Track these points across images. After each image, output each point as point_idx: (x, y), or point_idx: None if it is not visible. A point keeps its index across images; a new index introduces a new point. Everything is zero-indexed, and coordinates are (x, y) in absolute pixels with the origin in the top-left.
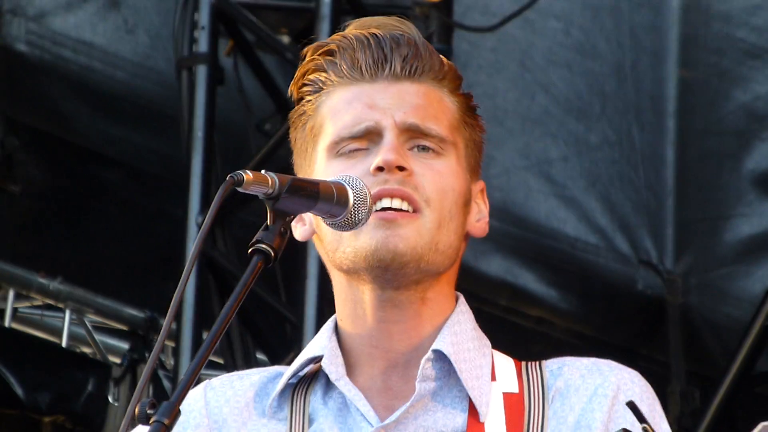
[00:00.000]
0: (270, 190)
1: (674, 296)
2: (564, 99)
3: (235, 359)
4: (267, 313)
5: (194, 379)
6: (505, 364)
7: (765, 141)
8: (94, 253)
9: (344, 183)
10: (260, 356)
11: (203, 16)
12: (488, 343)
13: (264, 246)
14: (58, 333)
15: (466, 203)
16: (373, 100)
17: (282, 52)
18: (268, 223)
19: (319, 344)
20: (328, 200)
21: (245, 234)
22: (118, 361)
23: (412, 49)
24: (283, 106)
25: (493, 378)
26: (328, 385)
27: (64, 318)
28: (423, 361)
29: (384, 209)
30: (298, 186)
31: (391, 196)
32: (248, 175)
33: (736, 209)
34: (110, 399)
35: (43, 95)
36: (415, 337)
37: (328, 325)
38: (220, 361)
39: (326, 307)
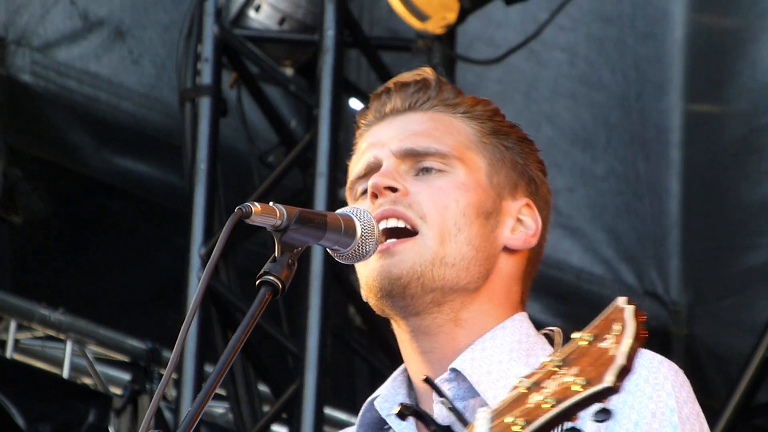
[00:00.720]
0: (278, 222)
1: (679, 327)
2: (569, 130)
3: (237, 390)
4: (269, 344)
5: (202, 411)
6: None
7: (767, 173)
8: (96, 284)
9: (352, 215)
10: (262, 388)
11: (207, 49)
12: (541, 353)
13: (272, 278)
14: (60, 364)
15: (486, 215)
16: (377, 137)
17: (285, 84)
18: (276, 255)
19: (383, 386)
20: (335, 231)
21: (248, 265)
22: (119, 392)
23: (417, 86)
24: (286, 138)
25: None
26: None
27: (65, 349)
28: (440, 381)
29: (383, 240)
30: (306, 218)
31: (384, 218)
32: (256, 207)
33: (741, 240)
34: (111, 430)
35: (48, 125)
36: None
37: (399, 369)
38: (223, 392)
39: (328, 338)
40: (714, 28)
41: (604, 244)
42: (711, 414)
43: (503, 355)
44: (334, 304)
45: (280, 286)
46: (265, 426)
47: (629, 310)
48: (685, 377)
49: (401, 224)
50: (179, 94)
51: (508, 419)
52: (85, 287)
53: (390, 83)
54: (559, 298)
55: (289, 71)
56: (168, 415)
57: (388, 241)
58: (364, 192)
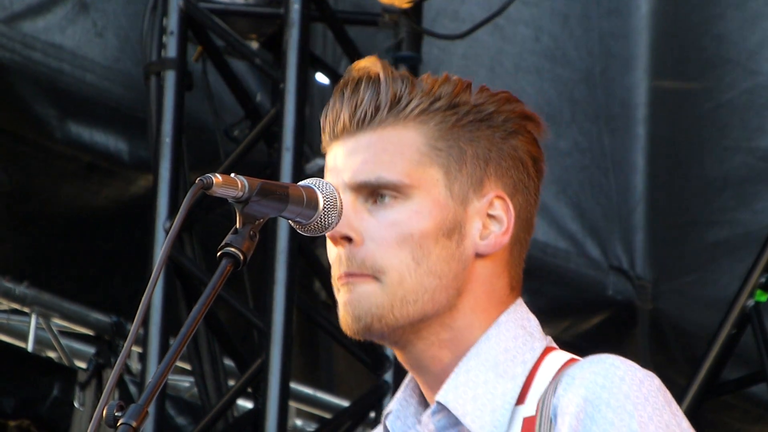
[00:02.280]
0: (239, 194)
1: (644, 302)
2: (534, 105)
3: (202, 365)
4: (235, 319)
5: (162, 382)
6: (545, 376)
7: (732, 148)
8: (60, 257)
9: (314, 187)
10: (228, 362)
11: (172, 22)
12: (529, 357)
13: (233, 249)
14: (24, 337)
15: (448, 234)
16: (333, 161)
17: (251, 58)
18: (237, 227)
19: (394, 398)
20: (297, 203)
21: (213, 240)
22: (83, 365)
23: (365, 94)
24: (252, 112)
25: (521, 401)
26: None
27: (30, 322)
28: (424, 417)
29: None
30: (268, 189)
31: (341, 280)
32: (217, 178)
33: (705, 216)
34: (76, 404)
35: (13, 97)
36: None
37: (407, 378)
38: (188, 367)
39: (294, 313)
40: (680, 4)
41: (569, 218)
42: (676, 389)
43: (489, 372)
44: (299, 279)
45: (242, 257)
46: (231, 400)
47: None
48: (651, 385)
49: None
50: (144, 68)
51: None
52: (50, 260)
53: (341, 85)
54: (523, 273)
55: (254, 45)
56: (133, 389)
57: (345, 271)
58: None
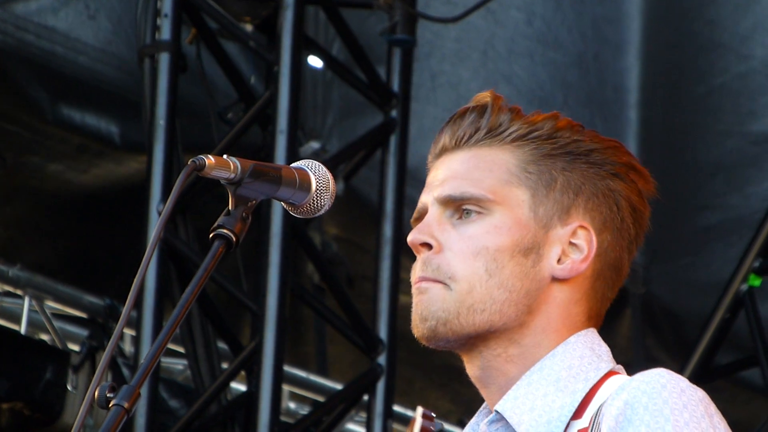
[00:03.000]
0: (232, 175)
1: (636, 286)
2: (526, 89)
3: (195, 348)
4: (229, 302)
5: (155, 363)
6: (604, 394)
7: (724, 133)
8: (54, 240)
9: (307, 169)
10: (221, 346)
11: (166, 4)
12: (593, 375)
13: (225, 231)
14: (17, 320)
15: (524, 252)
16: (430, 180)
17: (245, 41)
18: (230, 208)
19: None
20: (290, 185)
21: (207, 223)
22: (76, 348)
23: (471, 117)
24: (246, 95)
25: (578, 416)
26: None
27: (23, 305)
28: (485, 425)
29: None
30: (260, 171)
31: (416, 284)
32: (210, 159)
33: (697, 200)
34: (69, 386)
35: (6, 79)
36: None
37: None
38: (181, 349)
39: (287, 296)
40: None
41: None
42: None
43: (549, 386)
44: (292, 262)
45: (234, 239)
46: (224, 383)
47: (418, 412)
48: (693, 395)
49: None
50: (138, 51)
51: None
52: (43, 243)
53: (455, 114)
54: None
55: (249, 27)
56: (126, 372)
57: (419, 275)
58: None
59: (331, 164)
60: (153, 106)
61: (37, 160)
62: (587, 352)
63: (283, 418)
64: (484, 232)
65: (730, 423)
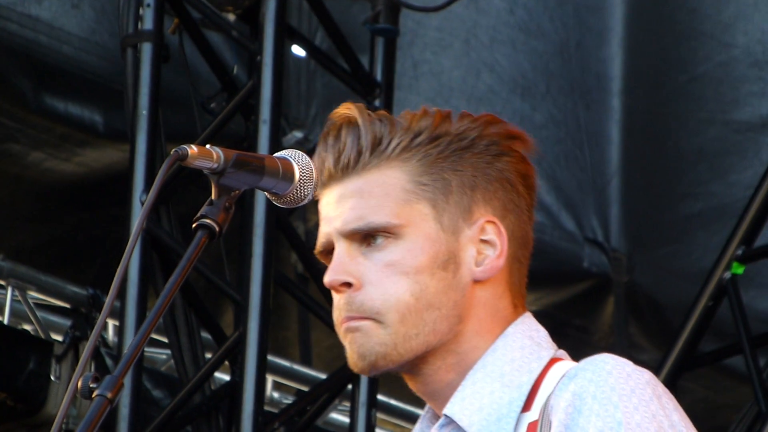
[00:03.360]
0: (215, 165)
1: (620, 274)
2: (509, 78)
3: (179, 338)
4: (208, 289)
5: (138, 353)
6: (550, 384)
7: (706, 121)
8: (36, 230)
9: (290, 158)
10: (205, 335)
11: None
12: (535, 366)
13: (208, 221)
14: (0, 310)
15: (443, 266)
16: (325, 211)
17: (227, 30)
18: (213, 198)
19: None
20: (273, 175)
21: (190, 213)
22: (60, 338)
23: (346, 139)
24: (229, 85)
25: (527, 408)
26: None
27: (6, 295)
28: (436, 428)
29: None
30: (244, 161)
31: (343, 324)
32: (193, 149)
33: (680, 188)
34: (52, 377)
35: None
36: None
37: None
38: (165, 339)
39: (271, 286)
40: None
41: (543, 191)
42: (652, 361)
43: (495, 383)
44: (275, 252)
45: (217, 229)
46: (208, 373)
47: None
48: (639, 379)
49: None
50: (121, 40)
51: None
52: (26, 233)
53: (324, 134)
54: None
55: (231, 17)
56: (110, 362)
57: (346, 315)
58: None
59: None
60: (135, 96)
61: (18, 149)
62: (527, 342)
63: (267, 408)
64: (400, 258)
65: (713, 410)
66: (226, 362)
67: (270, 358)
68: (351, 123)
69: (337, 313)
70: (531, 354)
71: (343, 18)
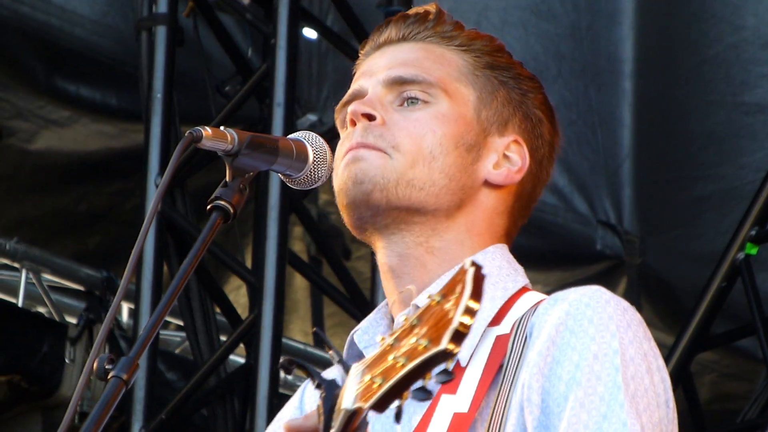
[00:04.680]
0: (229, 147)
1: (632, 256)
2: (520, 60)
3: (194, 321)
4: (228, 274)
5: (153, 335)
6: (524, 305)
7: (717, 103)
8: (39, 201)
9: (304, 140)
10: (220, 318)
11: None
12: (511, 286)
13: (223, 203)
14: (14, 292)
15: (467, 148)
16: (369, 66)
17: (242, 13)
18: (227, 180)
19: (366, 319)
20: (287, 156)
21: (205, 195)
22: (74, 321)
23: (416, 17)
24: (243, 67)
25: (497, 322)
26: None
27: (20, 278)
28: (399, 316)
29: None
30: (258, 142)
31: (352, 149)
32: (207, 131)
33: (691, 171)
34: (66, 359)
35: (2, 51)
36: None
37: (381, 303)
38: (179, 322)
39: (285, 268)
40: None
41: (556, 173)
42: (665, 343)
43: None
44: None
45: (232, 210)
46: (223, 355)
47: (470, 272)
48: (634, 316)
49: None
50: (135, 24)
51: (368, 377)
52: (41, 216)
53: (393, 17)
54: None
55: (245, 0)
56: (124, 344)
57: (358, 141)
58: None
59: (328, 136)
60: (150, 79)
61: (27, 126)
62: (505, 264)
63: (281, 390)
64: (432, 118)
65: (727, 392)
66: (241, 345)
67: (284, 340)
68: (423, 12)
69: (347, 143)
70: (508, 275)
71: (355, 0)
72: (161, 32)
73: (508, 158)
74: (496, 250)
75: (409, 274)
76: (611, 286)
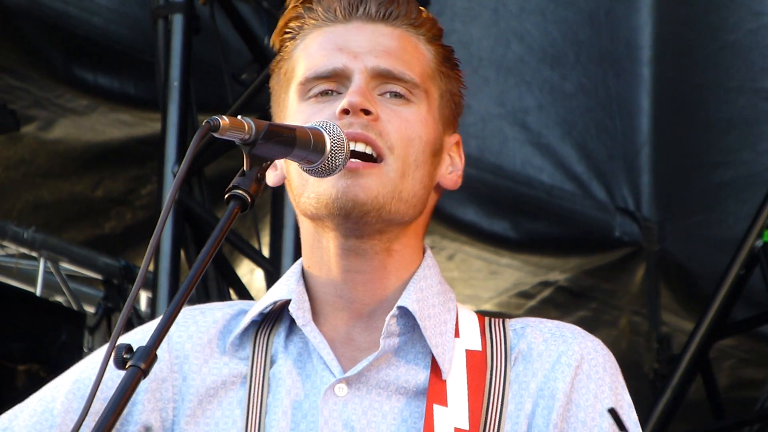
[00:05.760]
0: (246, 136)
1: (651, 243)
2: (538, 47)
3: None
4: (241, 258)
5: (171, 324)
6: (469, 319)
7: (736, 89)
8: (56, 186)
9: (321, 129)
10: None
11: None
12: (453, 297)
13: (240, 192)
14: (33, 281)
15: (435, 153)
16: (346, 41)
17: (258, 1)
18: (245, 169)
19: (287, 287)
20: (304, 146)
21: (222, 183)
22: (92, 310)
23: None
24: (260, 55)
25: (457, 334)
26: (291, 328)
27: (38, 267)
28: (388, 318)
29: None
30: (275, 131)
31: (354, 140)
32: (224, 120)
33: (710, 157)
34: (84, 348)
35: (19, 41)
36: (379, 290)
37: (295, 268)
38: None
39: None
40: None
41: (574, 160)
42: (683, 330)
43: (434, 297)
44: None
45: (249, 199)
46: None
47: None
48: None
49: (369, 151)
50: (152, 12)
51: None
52: (59, 204)
53: None
54: (529, 215)
55: None
56: None
57: (354, 160)
58: (323, 93)
59: None
60: (167, 67)
61: (45, 114)
62: (443, 278)
63: None
64: (418, 120)
65: (746, 379)
66: None
67: None
68: None
69: (344, 127)
70: (447, 290)
71: None
72: (178, 20)
73: (451, 159)
74: (433, 262)
75: (368, 272)
76: (630, 272)
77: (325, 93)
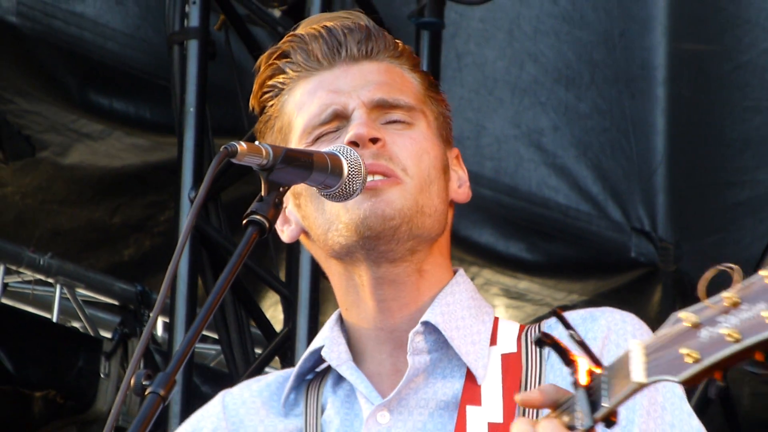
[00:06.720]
0: (264, 161)
1: (667, 263)
2: (553, 68)
3: (229, 334)
4: (262, 288)
5: (190, 350)
6: (509, 328)
7: (752, 109)
8: (73, 213)
9: (338, 153)
10: (255, 331)
11: None
12: (491, 311)
13: (258, 217)
14: (49, 308)
15: (444, 169)
16: (336, 85)
17: (273, 26)
18: (263, 194)
19: (322, 336)
20: (322, 171)
21: (239, 207)
22: (108, 335)
23: (364, 33)
24: None
25: (494, 342)
26: (338, 375)
27: (54, 293)
28: (412, 334)
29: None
30: (293, 157)
31: (371, 173)
32: (242, 146)
33: (726, 176)
34: (101, 374)
35: (34, 66)
36: (415, 313)
37: (332, 318)
38: (215, 335)
39: (321, 281)
40: None
41: (590, 181)
42: None
43: (464, 311)
44: None
45: (267, 225)
46: (258, 368)
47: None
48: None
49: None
50: (167, 38)
51: (680, 351)
52: (74, 230)
53: (325, 23)
54: (544, 236)
55: (277, 13)
56: (158, 358)
57: (373, 179)
58: (322, 136)
59: None
60: (183, 93)
61: (60, 140)
62: (475, 295)
63: None
64: (423, 138)
65: (765, 402)
66: (276, 358)
67: None
68: (361, 27)
69: (360, 161)
70: (482, 304)
71: (387, 11)
72: (193, 46)
73: (456, 173)
74: (464, 279)
75: (403, 297)
76: (646, 293)
77: (325, 134)
